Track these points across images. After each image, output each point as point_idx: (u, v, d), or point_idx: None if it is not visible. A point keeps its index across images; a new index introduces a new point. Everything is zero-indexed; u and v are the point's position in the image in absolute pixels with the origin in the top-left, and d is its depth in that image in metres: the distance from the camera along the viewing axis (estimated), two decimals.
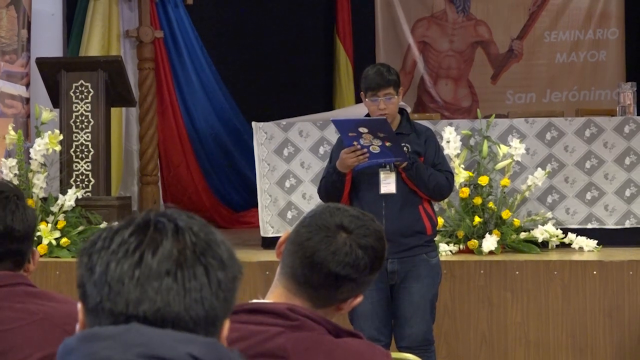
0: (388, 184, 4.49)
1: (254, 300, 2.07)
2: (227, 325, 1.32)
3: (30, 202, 6.01)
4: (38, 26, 7.89)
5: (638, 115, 6.64)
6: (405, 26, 10.37)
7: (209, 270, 1.28)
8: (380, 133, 4.37)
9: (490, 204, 6.00)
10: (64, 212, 6.19)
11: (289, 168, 6.44)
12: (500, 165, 6.07)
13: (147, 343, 1.20)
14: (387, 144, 4.39)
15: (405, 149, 4.50)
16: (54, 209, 6.18)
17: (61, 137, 6.38)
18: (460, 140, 6.04)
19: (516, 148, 6.01)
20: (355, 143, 4.42)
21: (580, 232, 6.13)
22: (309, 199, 6.29)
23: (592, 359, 5.46)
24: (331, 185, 4.54)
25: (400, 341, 4.54)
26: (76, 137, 6.79)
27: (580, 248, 6.02)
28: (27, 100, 7.71)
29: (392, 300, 4.54)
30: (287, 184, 6.44)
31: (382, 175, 4.51)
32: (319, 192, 4.71)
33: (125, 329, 1.21)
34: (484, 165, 6.08)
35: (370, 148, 4.42)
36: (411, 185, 4.51)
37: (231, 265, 1.34)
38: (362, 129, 4.39)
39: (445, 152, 5.69)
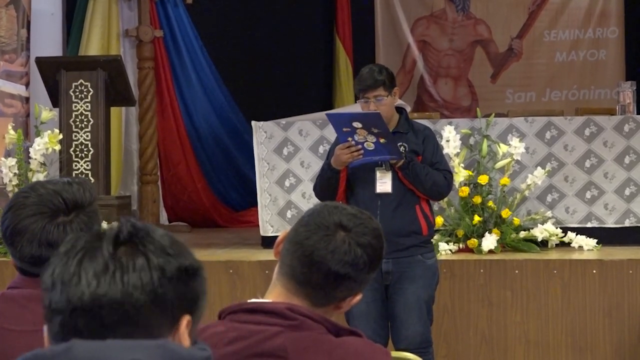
0: (384, 183, 4.49)
1: (253, 300, 2.07)
2: (185, 321, 1.30)
3: None
4: (38, 25, 7.89)
5: (638, 114, 6.63)
6: (405, 25, 10.37)
7: (149, 257, 1.27)
8: (375, 128, 4.37)
9: (490, 203, 6.00)
10: None
11: (288, 167, 6.44)
12: (499, 164, 6.07)
13: (91, 358, 1.19)
14: (382, 140, 4.38)
15: (402, 148, 4.50)
16: None
17: (61, 137, 6.38)
18: (460, 140, 6.04)
19: (516, 147, 6.01)
20: (349, 139, 4.42)
21: (579, 231, 6.13)
22: (308, 198, 6.29)
23: (592, 358, 5.46)
24: (326, 181, 4.54)
25: (397, 343, 4.51)
26: (76, 136, 6.79)
27: (580, 247, 6.02)
28: (27, 99, 7.71)
29: (387, 301, 4.52)
30: (287, 183, 6.44)
31: (378, 174, 4.50)
32: (314, 189, 4.71)
33: (66, 347, 1.20)
34: (483, 164, 6.08)
35: (365, 145, 4.42)
36: (408, 184, 4.50)
37: (177, 254, 1.30)
38: (356, 124, 4.39)
39: (445, 151, 5.69)
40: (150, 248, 1.28)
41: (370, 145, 4.41)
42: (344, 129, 4.44)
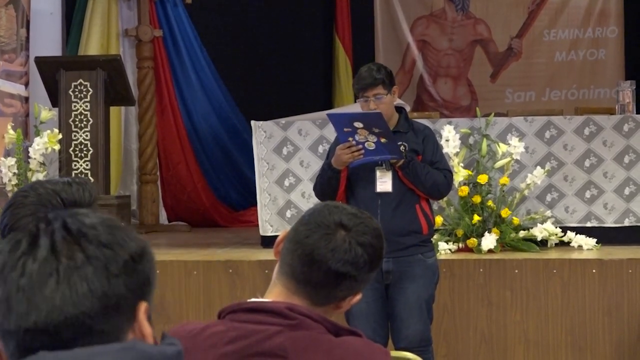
0: (384, 183, 4.49)
1: (253, 299, 2.07)
2: (142, 308, 1.24)
3: None
4: (37, 25, 7.89)
5: (637, 113, 6.63)
6: (405, 25, 10.37)
7: (91, 261, 1.20)
8: (376, 128, 4.37)
9: (490, 203, 6.00)
10: None
11: (288, 167, 6.44)
12: (499, 163, 6.08)
13: None
14: (383, 140, 4.38)
15: (402, 147, 4.50)
16: None
17: (60, 136, 6.39)
18: (460, 139, 6.04)
19: (515, 146, 6.02)
20: (350, 139, 4.42)
21: (579, 230, 6.13)
22: (308, 198, 6.29)
23: (592, 357, 5.46)
24: (326, 181, 4.54)
25: (397, 342, 4.52)
26: (75, 136, 6.79)
27: (580, 246, 6.02)
28: (26, 99, 7.71)
29: (388, 300, 4.53)
30: (287, 183, 6.44)
31: (378, 173, 4.50)
32: (314, 189, 4.71)
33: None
34: (483, 163, 6.08)
35: (366, 144, 4.42)
36: (408, 183, 4.50)
37: (117, 244, 1.23)
38: (357, 124, 4.39)
39: (445, 150, 5.69)
40: (90, 249, 1.21)
41: (371, 145, 4.41)
42: (345, 129, 4.44)
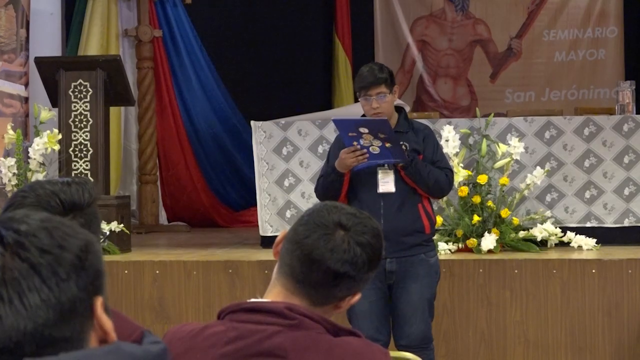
0: (386, 183, 4.49)
1: (253, 300, 2.08)
2: (98, 303, 1.21)
3: None
4: (37, 25, 7.89)
5: (637, 113, 6.64)
6: (404, 25, 10.37)
7: (38, 268, 1.15)
8: (381, 134, 4.36)
9: (489, 203, 6.00)
10: None
11: (287, 167, 6.44)
12: (499, 164, 6.08)
13: None
14: (387, 144, 4.38)
15: (403, 147, 4.50)
16: None
17: (60, 137, 6.38)
18: (459, 139, 6.04)
19: (515, 147, 6.02)
20: (355, 143, 4.41)
21: (579, 230, 6.13)
22: (307, 198, 6.29)
23: (591, 357, 5.46)
24: (329, 184, 4.54)
25: (399, 340, 4.54)
26: (75, 136, 6.79)
27: (579, 247, 6.02)
28: (26, 99, 7.71)
29: (391, 300, 4.54)
30: (286, 183, 6.44)
31: (380, 174, 4.50)
32: (316, 191, 4.70)
33: None
34: (482, 164, 6.08)
35: (370, 149, 4.41)
36: (410, 183, 4.51)
37: (61, 246, 1.19)
38: (363, 129, 4.38)
39: (444, 150, 5.68)
40: (32, 258, 1.16)
41: (375, 149, 4.40)
42: (350, 134, 4.42)
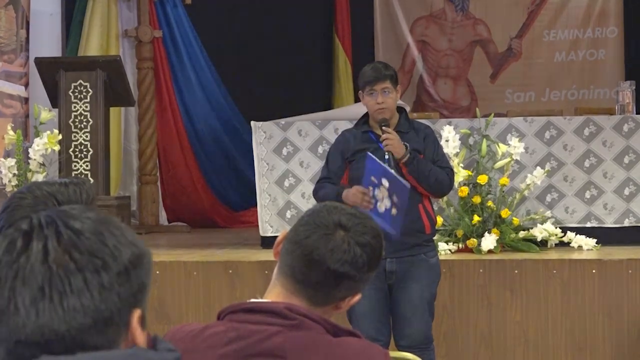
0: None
1: (253, 300, 2.08)
2: (136, 316, 1.21)
3: None
4: (37, 26, 7.89)
5: (637, 113, 6.63)
6: (404, 25, 10.37)
7: (84, 272, 1.16)
8: (395, 197, 4.26)
9: (490, 203, 6.00)
10: None
11: (288, 167, 6.44)
12: (499, 164, 6.08)
13: None
14: (394, 211, 4.28)
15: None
16: None
17: (60, 137, 6.38)
18: (459, 139, 6.04)
19: (515, 147, 6.02)
20: (370, 188, 4.33)
21: (579, 230, 6.13)
22: (308, 198, 6.29)
23: (591, 357, 5.46)
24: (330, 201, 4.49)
25: (399, 340, 4.54)
26: (75, 136, 6.79)
27: (580, 247, 6.02)
28: (26, 100, 7.71)
29: (391, 300, 4.54)
30: (286, 183, 6.44)
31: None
32: (315, 196, 4.68)
33: None
34: (483, 164, 6.08)
35: (378, 204, 4.32)
36: (412, 181, 4.50)
37: (111, 252, 1.18)
38: (385, 182, 4.27)
39: (445, 151, 5.68)
40: (82, 260, 1.16)
41: (381, 208, 4.33)
42: (372, 178, 4.34)
